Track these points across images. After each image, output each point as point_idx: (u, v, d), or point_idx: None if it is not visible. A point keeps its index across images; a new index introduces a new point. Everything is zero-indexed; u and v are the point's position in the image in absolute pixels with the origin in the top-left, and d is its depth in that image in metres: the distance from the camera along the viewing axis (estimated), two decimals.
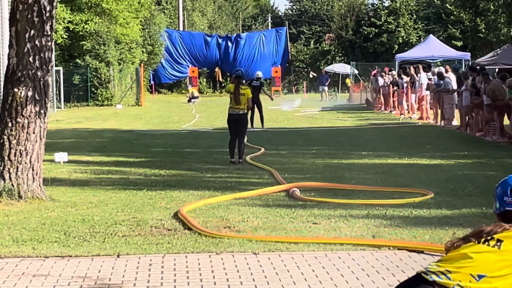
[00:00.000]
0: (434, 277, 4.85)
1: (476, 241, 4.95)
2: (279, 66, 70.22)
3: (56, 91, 47.53)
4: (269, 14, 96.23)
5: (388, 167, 19.82)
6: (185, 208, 13.55)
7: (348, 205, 14.15)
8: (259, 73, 45.84)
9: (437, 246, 10.82)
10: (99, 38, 53.26)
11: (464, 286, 4.84)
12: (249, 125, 22.53)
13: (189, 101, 59.41)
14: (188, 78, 71.40)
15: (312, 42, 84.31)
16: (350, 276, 9.57)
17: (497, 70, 28.42)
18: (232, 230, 12.17)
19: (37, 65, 14.53)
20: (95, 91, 53.72)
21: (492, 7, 35.39)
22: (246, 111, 20.46)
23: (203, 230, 11.85)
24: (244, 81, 21.42)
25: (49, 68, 14.91)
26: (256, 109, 32.22)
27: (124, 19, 54.90)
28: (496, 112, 26.24)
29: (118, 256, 10.56)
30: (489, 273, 4.83)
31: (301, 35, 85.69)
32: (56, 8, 15.43)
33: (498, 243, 4.91)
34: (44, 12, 14.43)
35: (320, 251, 10.76)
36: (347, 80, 61.72)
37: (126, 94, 56.17)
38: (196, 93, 62.08)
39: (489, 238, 4.93)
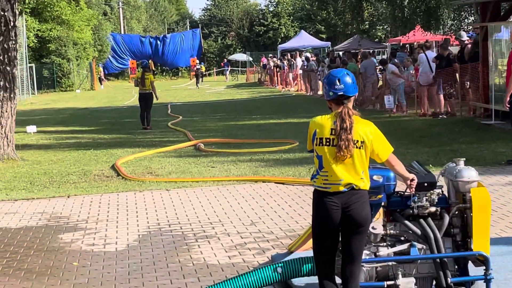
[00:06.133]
0: None
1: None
2: (196, 57, 69.56)
3: (30, 81, 46.70)
4: (188, 19, 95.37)
5: (269, 126, 20.06)
6: (119, 161, 13.60)
7: (237, 153, 14.38)
8: (202, 66, 49.09)
9: (296, 179, 11.12)
10: (61, 41, 52.16)
11: None
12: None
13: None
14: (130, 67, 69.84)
15: (219, 39, 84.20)
16: (233, 202, 9.80)
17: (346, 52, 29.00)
18: (153, 175, 12.29)
19: (6, 61, 14.32)
20: (60, 81, 52.72)
21: (342, 8, 35.59)
22: (150, 90, 20.41)
23: (129, 176, 11.95)
24: (148, 69, 21.43)
25: (15, 64, 14.71)
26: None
27: (79, 26, 53.89)
28: None
29: (68, 196, 10.58)
30: None
31: (211, 34, 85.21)
32: (17, 20, 15.18)
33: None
34: (8, 22, 14.21)
35: (214, 186, 10.96)
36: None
37: (83, 82, 55.32)
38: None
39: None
